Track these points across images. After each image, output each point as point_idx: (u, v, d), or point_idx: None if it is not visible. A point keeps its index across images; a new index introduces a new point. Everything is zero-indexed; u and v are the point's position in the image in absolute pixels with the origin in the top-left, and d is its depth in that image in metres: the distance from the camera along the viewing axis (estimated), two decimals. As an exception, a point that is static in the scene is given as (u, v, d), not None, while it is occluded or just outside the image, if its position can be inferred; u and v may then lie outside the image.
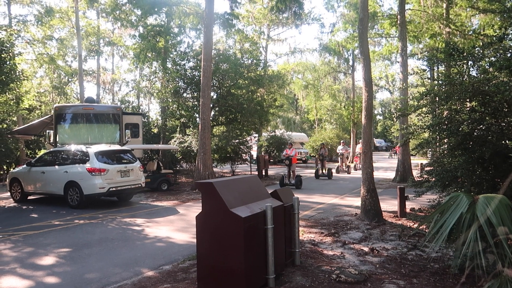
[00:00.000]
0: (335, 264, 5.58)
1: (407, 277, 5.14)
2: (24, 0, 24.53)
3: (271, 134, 28.79)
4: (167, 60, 21.56)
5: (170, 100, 20.40)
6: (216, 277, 4.49)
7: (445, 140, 6.65)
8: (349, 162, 26.49)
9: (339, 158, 22.29)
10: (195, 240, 4.86)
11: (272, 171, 22.99)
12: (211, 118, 16.74)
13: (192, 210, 10.51)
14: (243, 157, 20.83)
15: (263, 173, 19.28)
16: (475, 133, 5.91)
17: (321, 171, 19.11)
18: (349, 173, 21.36)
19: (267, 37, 32.45)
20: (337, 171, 21.45)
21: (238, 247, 4.32)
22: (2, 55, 12.21)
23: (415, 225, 7.97)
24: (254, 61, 21.91)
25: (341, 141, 23.55)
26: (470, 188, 5.64)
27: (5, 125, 14.68)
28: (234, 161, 20.48)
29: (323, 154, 19.19)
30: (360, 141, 19.64)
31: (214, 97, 19.56)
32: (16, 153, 17.47)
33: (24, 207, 11.56)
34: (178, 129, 20.81)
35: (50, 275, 5.53)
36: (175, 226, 8.68)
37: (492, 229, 3.50)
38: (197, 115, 18.84)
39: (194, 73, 19.52)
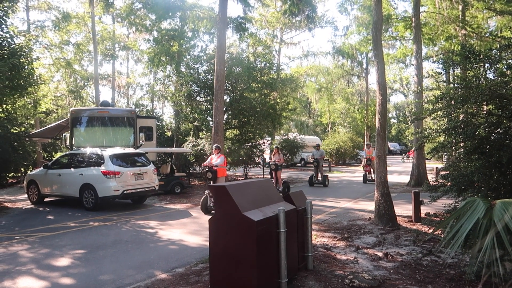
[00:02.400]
0: (349, 269, 5.53)
1: (422, 283, 5.06)
2: (42, 6, 25.07)
3: (284, 138, 28.76)
4: (181, 64, 21.77)
5: (184, 104, 20.55)
6: (228, 280, 4.49)
7: (461, 144, 6.55)
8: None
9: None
10: (207, 243, 4.87)
11: (284, 174, 22.94)
12: (224, 122, 16.80)
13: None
14: (256, 161, 20.83)
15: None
16: (492, 137, 5.81)
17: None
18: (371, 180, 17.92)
19: (280, 40, 32.49)
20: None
21: (250, 250, 4.31)
22: (21, 60, 12.48)
23: (430, 230, 7.85)
24: (267, 64, 21.93)
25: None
26: (487, 193, 5.53)
27: (23, 128, 15.01)
28: (247, 164, 20.50)
29: (275, 162, 14.42)
30: (366, 144, 18.53)
31: (227, 100, 19.63)
32: (33, 155, 17.82)
33: (40, 209, 11.76)
34: (191, 133, 20.92)
35: (65, 276, 5.61)
36: (188, 229, 8.72)
37: (510, 236, 3.43)
38: (210, 119, 18.93)
39: (207, 76, 19.64)
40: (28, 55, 13.12)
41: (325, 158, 22.01)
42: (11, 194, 15.35)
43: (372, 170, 17.73)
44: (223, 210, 4.59)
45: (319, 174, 17.28)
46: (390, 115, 62.39)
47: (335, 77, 36.19)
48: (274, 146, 16.51)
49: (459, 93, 6.21)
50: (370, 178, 17.99)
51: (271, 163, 14.65)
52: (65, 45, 27.00)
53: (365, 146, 19.92)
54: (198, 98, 20.72)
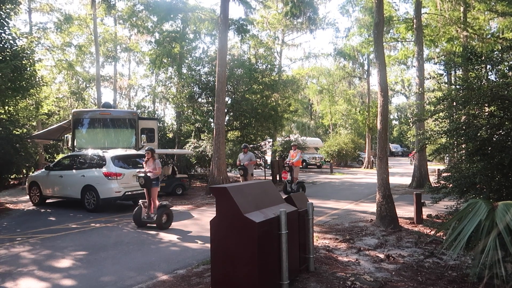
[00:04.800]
0: (350, 271, 5.51)
1: (424, 285, 5.04)
2: (44, 8, 25.16)
3: (285, 139, 28.74)
4: (182, 66, 21.81)
5: (185, 105, 20.58)
6: (230, 282, 4.48)
7: (463, 146, 6.54)
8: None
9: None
10: (209, 245, 4.87)
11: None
12: (225, 123, 16.81)
13: (206, 215, 10.54)
14: (257, 162, 20.83)
15: (277, 178, 19.24)
16: (494, 139, 5.80)
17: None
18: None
19: (281, 42, 32.48)
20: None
21: (252, 252, 4.31)
22: (23, 62, 12.52)
23: (432, 232, 7.83)
24: (269, 66, 21.93)
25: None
26: (489, 195, 5.52)
27: (25, 130, 15.00)
28: (249, 166, 20.49)
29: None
30: (292, 145, 15.66)
31: (229, 102, 19.65)
32: (35, 157, 17.83)
33: (42, 210, 11.78)
34: (193, 134, 20.93)
35: (66, 277, 5.61)
36: (189, 230, 8.72)
37: (511, 237, 3.42)
38: (211, 120, 18.94)
39: (209, 78, 19.66)
40: (30, 57, 13.16)
41: (258, 163, 18.65)
42: (13, 196, 15.38)
43: (291, 176, 14.03)
44: (224, 211, 4.59)
45: (248, 178, 12.48)
46: (391, 117, 62.31)
47: (336, 79, 36.18)
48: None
49: (460, 94, 6.20)
50: (290, 188, 13.98)
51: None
52: (67, 47, 27.10)
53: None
54: (199, 99, 20.74)
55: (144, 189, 8.98)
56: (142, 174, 8.92)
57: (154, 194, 8.92)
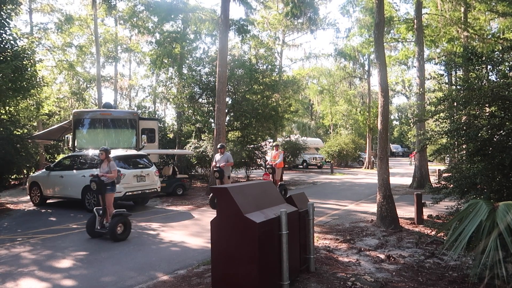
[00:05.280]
0: (351, 271, 5.51)
1: (425, 285, 5.04)
2: (45, 8, 25.19)
3: (286, 139, 28.74)
4: (183, 66, 21.81)
5: (186, 106, 20.58)
6: (230, 282, 4.48)
7: (464, 146, 6.54)
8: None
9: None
10: (209, 245, 4.87)
11: (287, 176, 22.93)
12: (226, 123, 16.80)
13: (207, 215, 10.54)
14: (258, 162, 20.82)
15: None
16: (494, 139, 5.79)
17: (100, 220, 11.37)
18: None
19: (282, 42, 32.49)
20: None
21: (252, 252, 4.30)
22: (24, 62, 12.53)
23: (433, 233, 7.83)
24: (269, 66, 21.94)
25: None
26: (490, 195, 5.51)
27: (25, 130, 15.00)
28: (249, 166, 20.49)
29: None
30: (274, 145, 14.83)
31: (229, 102, 19.64)
32: (35, 157, 17.84)
33: (43, 210, 11.78)
34: (193, 134, 20.94)
35: (67, 277, 5.61)
36: (189, 231, 8.72)
37: (512, 238, 3.41)
38: (212, 121, 18.94)
39: (209, 78, 19.67)
40: (31, 57, 13.17)
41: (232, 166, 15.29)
42: (14, 196, 15.39)
43: (273, 179, 12.82)
44: (224, 211, 4.59)
45: (224, 181, 11.40)
46: (392, 117, 62.29)
47: (337, 79, 36.15)
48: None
49: (461, 95, 6.20)
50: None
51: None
52: (68, 47, 27.12)
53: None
54: (200, 100, 20.75)
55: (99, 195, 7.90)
56: (96, 179, 7.77)
57: (109, 201, 7.92)
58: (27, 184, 13.31)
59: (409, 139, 50.16)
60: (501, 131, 5.76)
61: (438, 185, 6.84)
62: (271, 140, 25.51)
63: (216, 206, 10.02)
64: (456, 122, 6.31)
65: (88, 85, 32.54)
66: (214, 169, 11.49)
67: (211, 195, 10.96)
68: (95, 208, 8.05)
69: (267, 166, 13.60)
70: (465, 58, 6.29)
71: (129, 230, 7.97)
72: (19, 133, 13.56)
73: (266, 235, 4.44)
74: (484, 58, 6.10)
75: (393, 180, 12.88)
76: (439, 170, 16.21)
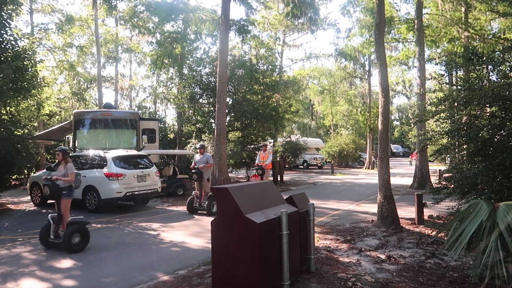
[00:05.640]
0: (351, 272, 5.51)
1: (425, 285, 5.03)
2: (45, 9, 25.22)
3: (286, 140, 28.73)
4: (184, 66, 21.81)
5: (186, 106, 20.59)
6: (230, 283, 4.48)
7: (464, 146, 6.54)
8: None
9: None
10: (210, 245, 4.87)
11: (287, 176, 22.93)
12: (226, 124, 16.81)
13: (207, 215, 10.54)
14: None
15: (278, 179, 19.23)
16: (495, 139, 5.79)
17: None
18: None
19: (282, 42, 32.46)
20: None
21: (252, 252, 4.30)
22: (25, 63, 12.54)
23: (433, 233, 7.82)
24: (270, 66, 21.94)
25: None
26: (491, 195, 5.51)
27: (26, 131, 15.01)
28: (250, 166, 20.50)
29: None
30: (263, 144, 14.63)
31: (230, 102, 19.64)
32: (36, 158, 17.85)
33: (43, 210, 11.78)
34: (194, 135, 20.95)
35: (67, 278, 5.62)
36: (190, 231, 8.72)
37: (513, 238, 3.41)
38: (212, 121, 18.94)
39: (210, 79, 19.67)
40: (32, 58, 13.19)
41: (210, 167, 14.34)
42: (14, 196, 15.40)
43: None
44: (225, 212, 4.59)
45: (204, 194, 10.90)
46: (392, 117, 62.30)
47: (337, 79, 36.15)
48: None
49: (462, 95, 6.19)
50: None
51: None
52: (69, 47, 27.15)
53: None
54: (200, 100, 20.75)
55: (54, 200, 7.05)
56: (49, 182, 6.90)
57: (65, 207, 7.02)
58: (28, 184, 13.32)
59: (410, 139, 50.13)
60: (502, 131, 5.76)
61: (438, 186, 6.83)
62: (272, 141, 25.54)
63: (194, 211, 10.06)
64: (457, 122, 6.30)
65: (88, 86, 32.55)
66: (192, 170, 10.82)
67: (189, 199, 10.76)
68: (49, 216, 7.16)
69: (256, 167, 13.10)
70: (465, 58, 6.29)
71: (87, 240, 7.09)
72: (20, 133, 13.57)
73: (267, 235, 4.44)
74: (484, 58, 6.10)
75: (394, 181, 12.88)
76: (439, 170, 16.20)
